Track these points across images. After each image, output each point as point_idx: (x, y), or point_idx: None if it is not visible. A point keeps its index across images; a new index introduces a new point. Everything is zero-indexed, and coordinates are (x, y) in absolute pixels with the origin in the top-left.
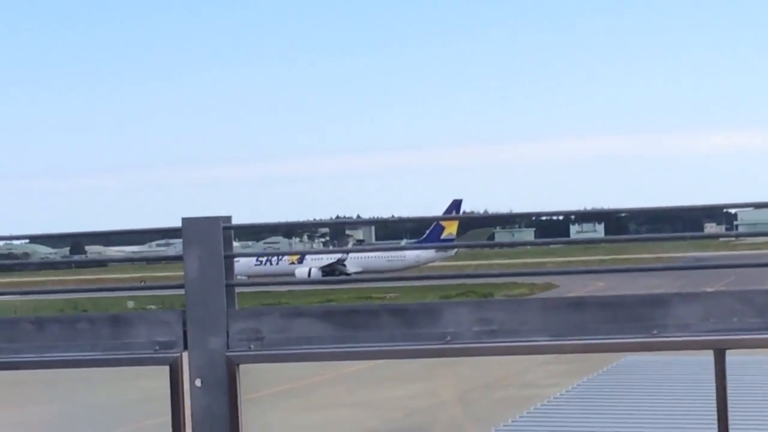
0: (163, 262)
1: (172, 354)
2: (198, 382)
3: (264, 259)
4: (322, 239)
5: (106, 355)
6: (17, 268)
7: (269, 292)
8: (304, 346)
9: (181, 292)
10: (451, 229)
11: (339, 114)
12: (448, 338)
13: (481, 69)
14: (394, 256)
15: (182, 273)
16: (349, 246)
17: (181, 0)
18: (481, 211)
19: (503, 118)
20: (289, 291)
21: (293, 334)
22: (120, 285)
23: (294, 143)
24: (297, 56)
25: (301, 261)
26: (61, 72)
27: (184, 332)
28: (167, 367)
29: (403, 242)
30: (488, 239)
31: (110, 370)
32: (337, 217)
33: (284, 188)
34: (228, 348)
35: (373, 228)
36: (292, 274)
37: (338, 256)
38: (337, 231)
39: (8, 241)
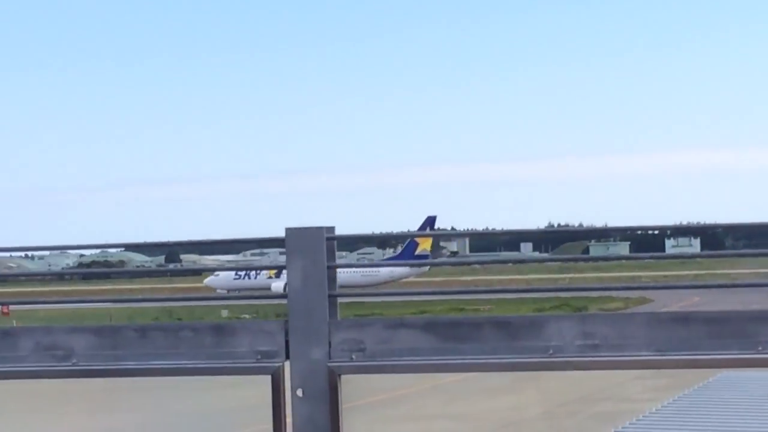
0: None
1: (275, 364)
2: (299, 392)
3: (243, 273)
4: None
5: (209, 364)
6: (113, 276)
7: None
8: (406, 358)
9: (282, 302)
10: (425, 245)
11: (434, 124)
12: (551, 352)
13: (576, 80)
14: (369, 272)
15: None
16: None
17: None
18: (576, 224)
19: (599, 131)
20: (383, 302)
21: (395, 346)
22: (214, 294)
23: (392, 153)
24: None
25: (278, 275)
26: (160, 79)
27: (287, 342)
28: (265, 377)
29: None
30: (582, 252)
31: (204, 378)
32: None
33: (382, 198)
34: (330, 358)
35: (467, 240)
36: (269, 288)
37: None
38: (431, 242)
39: (104, 249)
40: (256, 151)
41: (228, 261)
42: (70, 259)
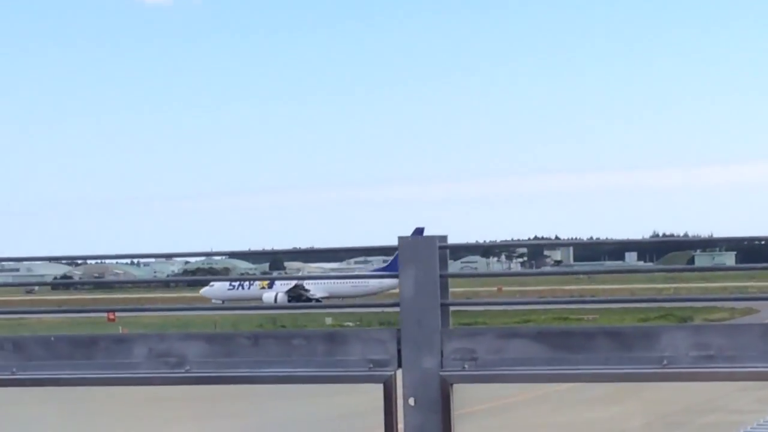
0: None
1: (387, 372)
2: (411, 401)
3: (237, 284)
4: (520, 259)
5: (320, 372)
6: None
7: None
8: (518, 368)
9: (392, 310)
10: None
11: (551, 133)
12: (665, 362)
13: (682, 88)
14: (359, 283)
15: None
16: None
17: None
18: (681, 234)
19: (704, 140)
20: (486, 311)
21: (508, 355)
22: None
23: (499, 162)
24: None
25: (270, 286)
26: (272, 88)
27: (398, 351)
28: (373, 385)
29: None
30: (687, 262)
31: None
32: (535, 237)
33: (488, 207)
34: (442, 367)
35: (571, 249)
36: (260, 299)
37: (306, 282)
38: (535, 252)
39: (209, 257)
40: (349, 160)
41: (332, 269)
42: (175, 266)
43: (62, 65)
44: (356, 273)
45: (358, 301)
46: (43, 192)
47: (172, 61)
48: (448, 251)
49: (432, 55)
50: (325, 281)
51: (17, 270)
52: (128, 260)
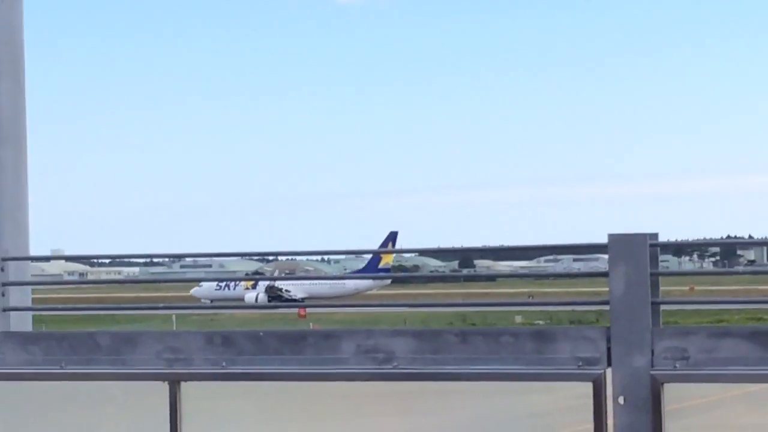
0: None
1: (596, 371)
2: (621, 400)
3: (223, 284)
4: (712, 258)
5: (528, 370)
6: (410, 281)
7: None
8: (731, 367)
9: (602, 308)
10: (387, 259)
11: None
12: None
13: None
14: (336, 284)
15: (568, 290)
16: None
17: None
18: None
19: None
20: (679, 310)
21: (720, 354)
22: (509, 300)
23: (694, 161)
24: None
25: (254, 287)
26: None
27: (608, 349)
28: (583, 383)
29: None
30: None
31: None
32: (728, 236)
33: (672, 205)
34: (652, 366)
35: (765, 248)
36: (242, 299)
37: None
38: (727, 251)
39: (398, 254)
40: (548, 158)
41: (521, 267)
42: (364, 263)
43: (258, 63)
44: (337, 275)
45: (565, 299)
46: (239, 189)
47: (369, 58)
48: (658, 249)
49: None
50: (306, 282)
51: (209, 266)
52: (318, 257)
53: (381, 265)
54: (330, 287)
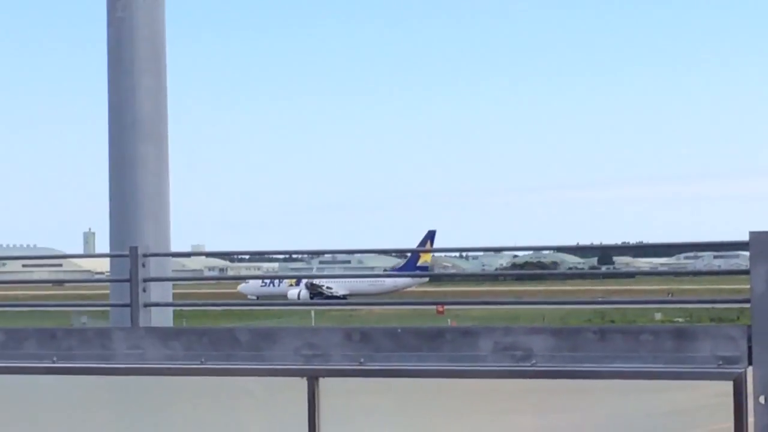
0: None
1: (737, 369)
2: (762, 399)
3: (268, 281)
4: None
5: (668, 368)
6: (546, 277)
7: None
8: None
9: (746, 306)
10: (425, 257)
11: None
12: None
13: None
14: (376, 281)
15: (709, 287)
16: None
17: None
18: None
19: None
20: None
21: None
22: (649, 298)
23: None
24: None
25: (297, 284)
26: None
27: (749, 348)
28: (723, 383)
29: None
30: None
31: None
32: None
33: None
34: None
35: None
36: (286, 296)
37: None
38: None
39: (537, 251)
40: (688, 153)
41: (661, 264)
42: (503, 260)
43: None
44: (375, 273)
45: (705, 296)
46: (378, 185)
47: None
48: None
49: None
50: (348, 279)
51: (348, 262)
52: (457, 253)
53: (420, 263)
54: (370, 284)
